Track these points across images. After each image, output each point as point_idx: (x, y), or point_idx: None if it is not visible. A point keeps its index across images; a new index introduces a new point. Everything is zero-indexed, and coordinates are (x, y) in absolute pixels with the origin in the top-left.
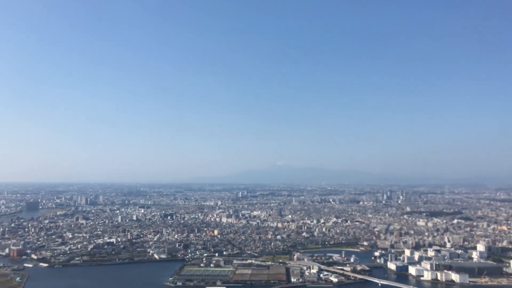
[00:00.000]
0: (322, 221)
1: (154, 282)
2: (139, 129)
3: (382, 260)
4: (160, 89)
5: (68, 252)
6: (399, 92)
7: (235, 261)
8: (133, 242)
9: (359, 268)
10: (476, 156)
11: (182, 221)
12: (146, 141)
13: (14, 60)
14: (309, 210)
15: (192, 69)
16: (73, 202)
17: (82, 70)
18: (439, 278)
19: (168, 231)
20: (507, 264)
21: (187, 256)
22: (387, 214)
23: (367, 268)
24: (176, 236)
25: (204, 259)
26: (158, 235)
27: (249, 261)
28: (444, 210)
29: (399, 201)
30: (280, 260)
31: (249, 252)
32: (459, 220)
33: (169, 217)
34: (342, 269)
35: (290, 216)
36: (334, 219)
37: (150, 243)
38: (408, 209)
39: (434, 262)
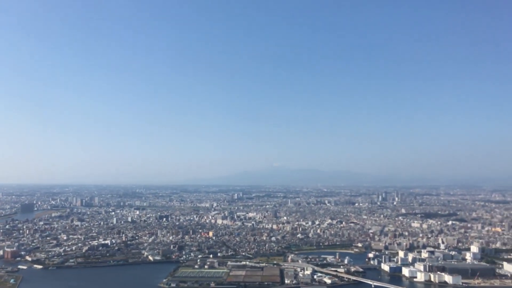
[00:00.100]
0: (317, 222)
1: (148, 283)
2: (136, 131)
3: (376, 262)
4: (156, 91)
5: (62, 254)
6: (395, 94)
7: (229, 263)
8: (128, 244)
9: (352, 269)
10: (472, 157)
11: (177, 223)
12: (142, 143)
13: (9, 60)
14: (304, 212)
15: (188, 71)
16: (68, 203)
17: (77, 72)
18: (432, 279)
19: (163, 233)
20: (500, 266)
21: (182, 258)
22: (382, 216)
23: (360, 270)
24: (171, 238)
25: (198, 260)
26: (153, 237)
27: (243, 262)
28: (439, 212)
29: (394, 203)
30: (275, 262)
31: (243, 253)
32: (453, 222)
33: (164, 219)
34: (336, 271)
35: (285, 217)
36: (329, 221)
37: (145, 244)
38: (403, 210)
39: (428, 263)
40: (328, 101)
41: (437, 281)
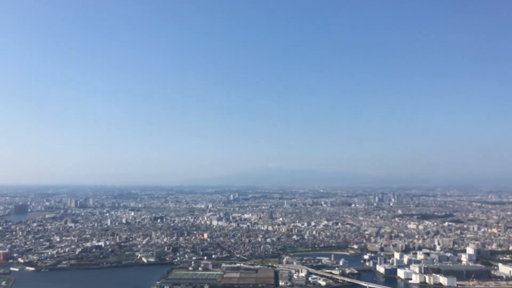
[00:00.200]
0: (313, 224)
1: (141, 286)
2: (134, 131)
3: (371, 263)
4: (152, 91)
5: (55, 255)
6: (393, 95)
7: (223, 265)
8: (122, 246)
9: (347, 271)
10: (469, 158)
11: (172, 224)
12: (140, 143)
13: (7, 59)
14: (300, 213)
15: (184, 71)
16: (62, 205)
17: (75, 72)
18: (427, 281)
19: (157, 235)
20: (495, 267)
21: (176, 260)
22: (378, 217)
23: (355, 271)
24: (165, 240)
25: (192, 262)
26: (147, 239)
27: (238, 264)
28: (436, 213)
29: (391, 204)
30: (269, 264)
31: (238, 255)
32: (450, 223)
33: (159, 220)
34: (331, 273)
35: (281, 219)
36: (325, 222)
37: (139, 246)
38: (399, 211)
39: (423, 265)
40: (326, 102)
41: (432, 283)
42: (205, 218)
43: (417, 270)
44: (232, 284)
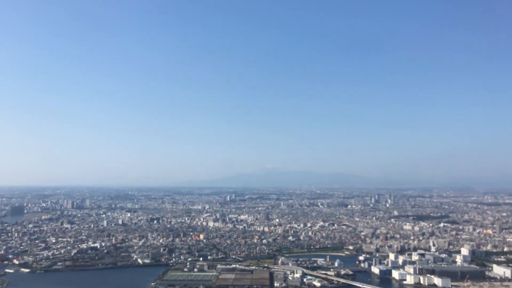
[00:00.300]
0: (309, 225)
1: (136, 287)
2: (129, 133)
3: (366, 264)
4: (148, 93)
5: (51, 257)
6: (389, 96)
7: (218, 266)
8: (118, 247)
9: (343, 272)
10: (465, 159)
11: (168, 225)
12: (135, 145)
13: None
14: (296, 214)
15: (180, 73)
16: (59, 206)
17: (68, 74)
18: (421, 282)
19: (153, 236)
20: (490, 268)
21: (171, 261)
22: (374, 218)
23: (350, 273)
24: (161, 241)
25: (188, 263)
26: (143, 240)
27: (233, 265)
28: (431, 214)
29: (387, 205)
30: (265, 265)
31: (234, 256)
32: (445, 224)
33: (155, 221)
34: (326, 274)
35: (277, 220)
36: (321, 223)
37: (135, 247)
38: (395, 212)
39: (418, 266)
40: (322, 103)
41: (426, 284)
42: (202, 219)
43: (411, 271)
44: (227, 285)
